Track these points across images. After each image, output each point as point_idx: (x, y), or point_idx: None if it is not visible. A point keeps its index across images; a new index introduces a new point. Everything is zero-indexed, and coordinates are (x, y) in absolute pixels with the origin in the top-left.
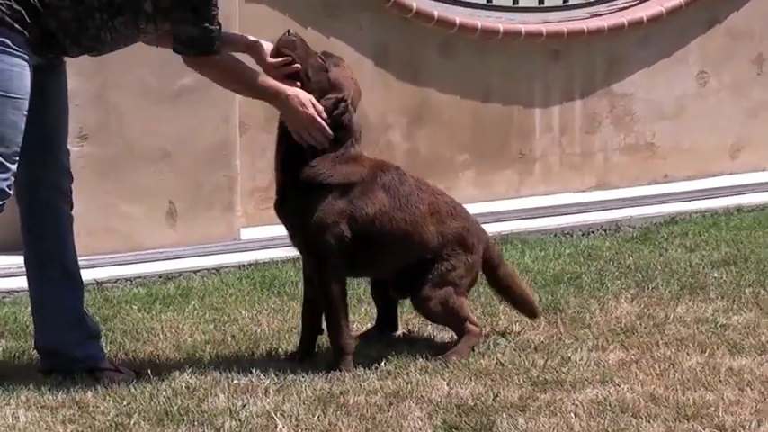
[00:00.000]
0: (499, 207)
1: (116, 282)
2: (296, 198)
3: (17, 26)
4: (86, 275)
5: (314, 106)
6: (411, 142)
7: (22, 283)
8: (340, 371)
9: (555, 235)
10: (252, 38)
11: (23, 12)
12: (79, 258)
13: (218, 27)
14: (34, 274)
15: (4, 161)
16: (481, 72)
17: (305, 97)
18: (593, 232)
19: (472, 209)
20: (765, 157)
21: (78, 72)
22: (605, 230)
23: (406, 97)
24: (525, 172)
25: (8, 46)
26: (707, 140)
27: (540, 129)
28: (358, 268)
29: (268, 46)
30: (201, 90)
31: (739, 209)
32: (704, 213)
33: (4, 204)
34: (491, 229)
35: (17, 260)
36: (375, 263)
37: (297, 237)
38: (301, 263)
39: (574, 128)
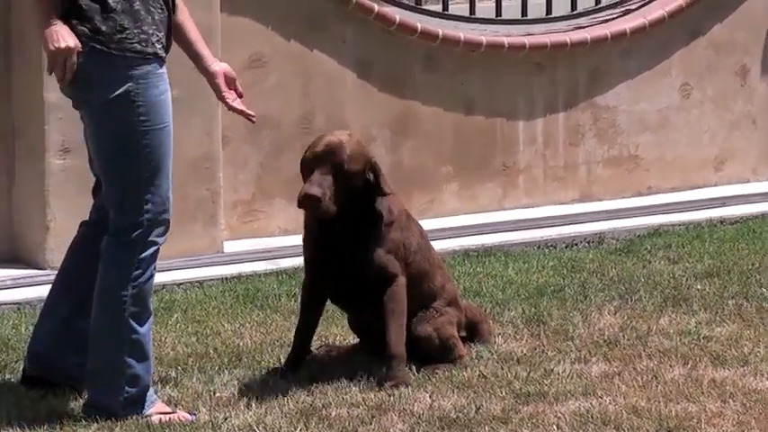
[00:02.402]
0: (483, 219)
1: None
2: (352, 242)
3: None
4: None
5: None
6: (395, 155)
7: (5, 296)
8: (397, 379)
9: (538, 247)
10: (214, 66)
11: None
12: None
13: None
14: (78, 291)
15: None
16: (464, 84)
17: (57, 32)
18: (576, 244)
19: (456, 221)
20: (749, 169)
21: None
22: (589, 242)
23: (389, 110)
24: (509, 184)
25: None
26: (690, 152)
27: (524, 141)
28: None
29: (223, 71)
30: (185, 103)
31: (723, 221)
32: (688, 225)
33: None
34: (475, 241)
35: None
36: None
37: (355, 277)
38: (303, 287)
39: (557, 140)
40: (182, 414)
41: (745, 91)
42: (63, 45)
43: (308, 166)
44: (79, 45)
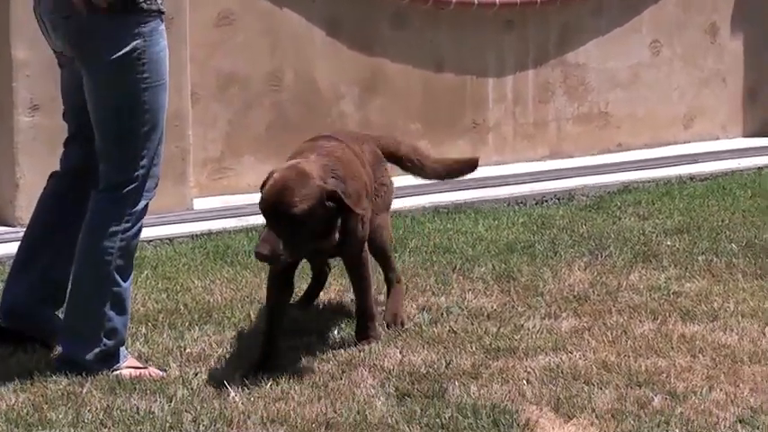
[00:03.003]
0: None
1: None
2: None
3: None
4: None
5: None
6: (363, 112)
7: None
8: (374, 337)
9: (508, 204)
10: None
11: None
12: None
13: None
14: (53, 242)
15: (159, 148)
16: (433, 42)
17: None
18: (546, 201)
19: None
20: (719, 126)
21: (29, 43)
22: (559, 199)
23: (358, 68)
24: (479, 141)
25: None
26: (660, 109)
27: (494, 99)
28: None
29: None
30: None
31: (692, 177)
32: (658, 182)
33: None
34: (445, 198)
35: None
36: None
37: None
38: (267, 266)
39: (527, 97)
40: (152, 370)
41: (714, 49)
42: None
43: (262, 213)
44: None
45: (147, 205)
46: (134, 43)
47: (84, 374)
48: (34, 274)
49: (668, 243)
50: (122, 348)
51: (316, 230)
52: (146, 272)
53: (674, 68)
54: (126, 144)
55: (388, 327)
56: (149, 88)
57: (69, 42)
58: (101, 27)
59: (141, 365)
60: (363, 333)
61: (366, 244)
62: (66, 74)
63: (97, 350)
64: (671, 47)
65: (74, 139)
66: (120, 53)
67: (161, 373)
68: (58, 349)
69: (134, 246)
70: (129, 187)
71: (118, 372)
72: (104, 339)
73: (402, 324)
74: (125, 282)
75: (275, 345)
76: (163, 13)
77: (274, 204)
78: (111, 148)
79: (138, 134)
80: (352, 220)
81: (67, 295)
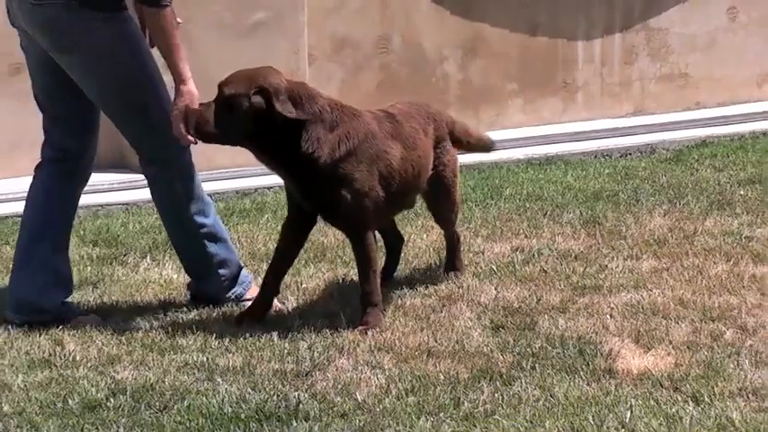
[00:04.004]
0: (545, 131)
1: None
2: (320, 185)
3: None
4: None
5: (187, 114)
6: (464, 73)
7: (113, 197)
8: (371, 324)
9: (595, 156)
10: (185, 85)
11: None
12: None
13: None
14: (43, 233)
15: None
16: (529, 8)
17: (188, 100)
18: (630, 154)
19: (520, 133)
20: None
21: None
22: (641, 152)
23: (460, 32)
24: (569, 99)
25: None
26: (736, 71)
27: (583, 60)
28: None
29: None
30: (273, 24)
31: (765, 133)
32: (732, 137)
33: None
34: (537, 151)
35: (109, 177)
36: (400, 206)
37: (332, 216)
38: (286, 217)
39: (613, 59)
40: (274, 302)
41: None
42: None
43: None
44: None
45: (188, 157)
46: (102, 33)
47: (213, 306)
48: (39, 264)
49: (741, 192)
50: (244, 273)
51: (245, 122)
52: (266, 215)
53: (749, 32)
54: (129, 111)
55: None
56: (128, 58)
57: (43, 30)
58: (71, 16)
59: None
60: (362, 319)
61: (372, 223)
62: (31, 57)
63: (218, 284)
64: (747, 13)
65: (52, 125)
66: (94, 40)
67: (280, 305)
68: (192, 287)
69: (198, 189)
70: (163, 157)
71: (246, 297)
72: (220, 271)
73: (460, 270)
74: (208, 218)
75: (268, 291)
76: (115, 5)
77: (220, 83)
78: (127, 129)
79: (136, 102)
80: (312, 132)
81: (178, 255)
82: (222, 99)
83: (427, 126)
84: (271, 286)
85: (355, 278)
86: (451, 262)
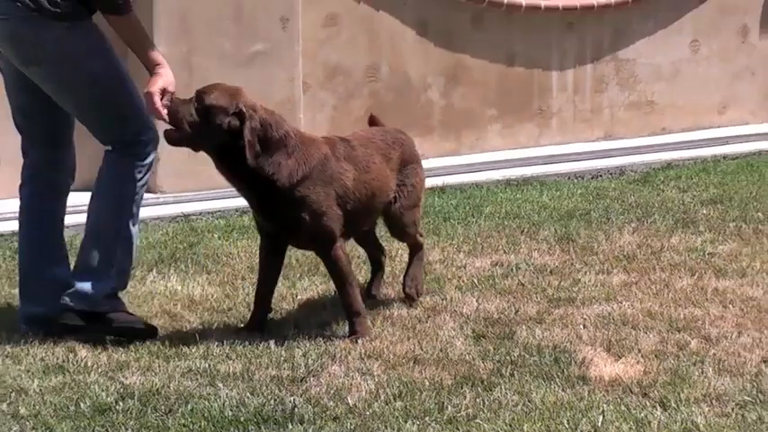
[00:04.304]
0: (522, 154)
1: (200, 215)
2: (281, 207)
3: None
4: (175, 209)
5: (162, 93)
6: (447, 99)
7: None
8: (360, 333)
9: (569, 178)
10: (162, 67)
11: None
12: (170, 196)
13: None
14: (39, 249)
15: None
16: (507, 40)
17: (165, 82)
18: (601, 176)
19: (499, 156)
20: (748, 113)
21: (167, 39)
22: (611, 174)
23: (442, 62)
24: (544, 125)
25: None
26: (698, 99)
27: (557, 88)
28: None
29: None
30: (271, 54)
31: (725, 156)
32: (696, 160)
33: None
34: (515, 172)
35: None
36: (361, 224)
37: (295, 237)
38: (259, 248)
39: (585, 88)
40: (139, 321)
41: (745, 47)
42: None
43: None
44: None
45: (152, 160)
46: (65, 42)
47: (212, 313)
48: (42, 278)
49: (704, 212)
50: (120, 297)
51: (218, 134)
52: None
53: (710, 63)
54: (110, 118)
55: (408, 297)
56: (102, 71)
57: (12, 44)
58: (36, 28)
59: (134, 316)
60: (351, 329)
61: (340, 239)
62: (7, 76)
63: (108, 289)
64: (708, 45)
65: (30, 144)
66: (61, 49)
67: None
68: (73, 286)
69: (143, 195)
70: (133, 145)
71: (114, 314)
72: (114, 278)
73: (418, 295)
74: (134, 227)
75: (259, 310)
76: (80, 14)
77: (198, 91)
78: (100, 123)
79: (115, 107)
80: (276, 158)
81: (83, 238)
82: (202, 107)
83: (390, 150)
84: (262, 307)
85: None
86: (408, 270)
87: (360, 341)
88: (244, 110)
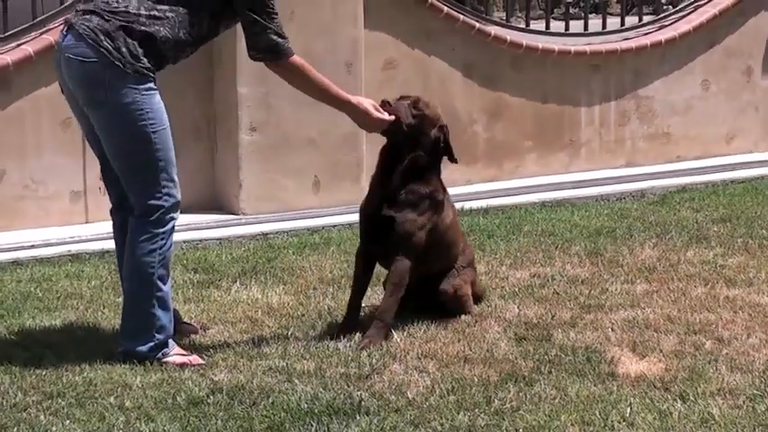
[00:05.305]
0: (555, 180)
1: (277, 233)
2: (394, 208)
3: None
4: (256, 229)
5: (376, 108)
6: (490, 133)
7: (209, 234)
8: (371, 339)
9: (596, 200)
10: (349, 98)
11: (156, 63)
12: (251, 217)
13: (284, 39)
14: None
15: (175, 178)
16: (541, 81)
17: (368, 103)
18: (624, 198)
19: (535, 181)
20: (752, 143)
21: (247, 82)
22: (633, 197)
23: (486, 100)
24: (574, 154)
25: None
26: (708, 130)
27: (585, 122)
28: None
29: (362, 103)
30: None
31: (733, 181)
32: (707, 184)
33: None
34: (549, 195)
35: (206, 218)
36: (428, 262)
37: (385, 239)
38: (361, 249)
39: (610, 122)
40: (194, 357)
41: (749, 85)
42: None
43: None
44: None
45: (174, 225)
46: (133, 95)
47: (287, 318)
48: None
49: (715, 229)
50: (170, 340)
51: (420, 137)
52: (332, 248)
53: (719, 100)
54: (148, 179)
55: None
56: (157, 131)
57: (78, 84)
58: (108, 74)
59: (186, 353)
60: (369, 331)
61: (413, 260)
62: (82, 124)
63: (151, 344)
64: (717, 84)
65: (110, 179)
66: (123, 101)
67: (201, 361)
68: (120, 347)
69: (169, 257)
70: (159, 212)
71: (167, 359)
72: (156, 335)
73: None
74: (165, 286)
75: (354, 312)
76: (154, 73)
77: (416, 99)
78: (137, 184)
79: (156, 169)
80: (434, 174)
81: (123, 303)
82: (419, 114)
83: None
84: (354, 306)
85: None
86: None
87: (372, 346)
88: (446, 126)
